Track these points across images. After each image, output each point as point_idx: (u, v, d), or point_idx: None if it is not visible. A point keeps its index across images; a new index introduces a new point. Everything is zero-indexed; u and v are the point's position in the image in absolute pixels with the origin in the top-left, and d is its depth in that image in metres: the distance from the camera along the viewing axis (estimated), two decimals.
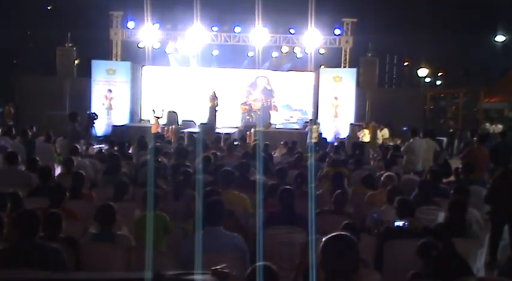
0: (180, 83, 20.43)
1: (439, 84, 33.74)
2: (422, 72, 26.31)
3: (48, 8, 26.76)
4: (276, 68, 21.30)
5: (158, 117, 17.31)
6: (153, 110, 17.66)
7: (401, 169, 8.77)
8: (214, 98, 16.93)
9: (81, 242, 4.24)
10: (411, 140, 9.38)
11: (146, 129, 16.40)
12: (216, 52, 21.28)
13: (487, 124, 19.42)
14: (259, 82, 20.87)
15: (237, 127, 18.76)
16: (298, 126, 19.67)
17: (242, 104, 20.57)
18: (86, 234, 4.52)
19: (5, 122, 18.18)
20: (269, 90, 20.74)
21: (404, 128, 17.00)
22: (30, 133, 10.62)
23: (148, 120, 18.72)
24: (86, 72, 19.71)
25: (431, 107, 23.41)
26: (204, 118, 17.04)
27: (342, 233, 2.63)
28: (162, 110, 17.61)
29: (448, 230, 4.32)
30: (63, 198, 5.11)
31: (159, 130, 16.39)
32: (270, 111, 20.32)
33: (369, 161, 10.76)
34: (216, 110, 16.92)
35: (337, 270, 2.48)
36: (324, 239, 2.57)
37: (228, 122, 20.14)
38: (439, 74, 33.68)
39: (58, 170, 8.84)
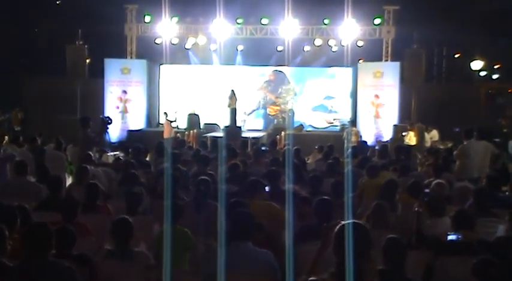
0: (202, 83, 20.60)
1: (496, 79, 33.06)
2: (476, 65, 25.81)
3: (57, 2, 27.34)
4: (309, 63, 21.26)
5: (171, 121, 17.45)
6: (165, 113, 17.80)
7: (453, 175, 8.63)
8: (232, 97, 17.04)
9: (96, 260, 4.29)
10: (465, 143, 9.23)
11: None
12: (241, 47, 21.37)
13: None
14: (268, 78, 20.92)
15: (265, 131, 18.81)
16: (337, 129, 19.58)
17: (271, 105, 20.62)
18: (101, 251, 4.58)
19: (12, 128, 18.61)
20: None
21: (456, 130, 16.71)
22: (39, 140, 10.85)
23: (162, 125, 18.91)
24: (98, 72, 20.04)
25: (487, 105, 22.95)
26: (227, 121, 17.16)
27: (355, 221, 3.22)
28: (176, 112, 17.76)
29: (510, 245, 4.23)
30: (75, 211, 5.20)
31: (172, 135, 16.53)
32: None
33: (416, 167, 10.62)
34: (235, 111, 17.03)
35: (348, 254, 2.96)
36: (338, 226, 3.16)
37: (255, 125, 20.25)
38: (496, 66, 32.99)
39: (69, 181, 9.01)
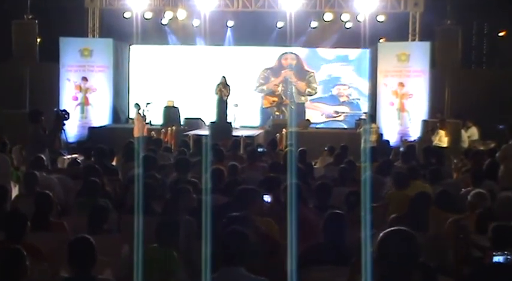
0: (182, 68, 20.59)
1: None
2: None
3: None
4: (316, 43, 21.28)
5: (144, 116, 17.42)
6: (137, 105, 17.73)
7: (496, 183, 8.66)
8: (224, 86, 17.06)
9: None
10: (510, 143, 9.27)
11: None
12: (231, 23, 21.38)
13: None
14: (285, 63, 20.93)
15: (261, 128, 18.83)
16: (347, 126, 19.60)
17: (267, 95, 20.60)
18: (56, 279, 4.58)
19: None
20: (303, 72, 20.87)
21: (500, 126, 16.77)
22: None
23: (132, 120, 18.89)
24: (52, 55, 20.00)
25: None
26: (214, 115, 17.19)
27: (401, 228, 3.36)
28: (147, 104, 17.71)
29: None
30: (23, 229, 5.19)
31: (145, 133, 16.53)
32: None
33: (451, 173, 10.68)
34: (227, 103, 17.06)
35: (394, 265, 3.15)
36: (381, 233, 3.29)
37: (250, 121, 20.23)
38: None
39: (15, 191, 8.98)
